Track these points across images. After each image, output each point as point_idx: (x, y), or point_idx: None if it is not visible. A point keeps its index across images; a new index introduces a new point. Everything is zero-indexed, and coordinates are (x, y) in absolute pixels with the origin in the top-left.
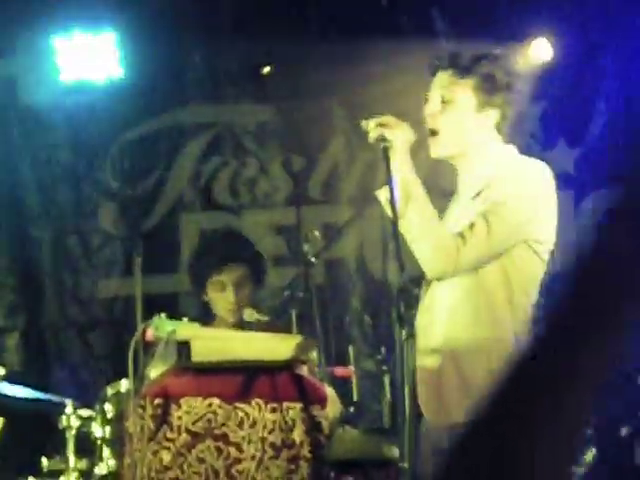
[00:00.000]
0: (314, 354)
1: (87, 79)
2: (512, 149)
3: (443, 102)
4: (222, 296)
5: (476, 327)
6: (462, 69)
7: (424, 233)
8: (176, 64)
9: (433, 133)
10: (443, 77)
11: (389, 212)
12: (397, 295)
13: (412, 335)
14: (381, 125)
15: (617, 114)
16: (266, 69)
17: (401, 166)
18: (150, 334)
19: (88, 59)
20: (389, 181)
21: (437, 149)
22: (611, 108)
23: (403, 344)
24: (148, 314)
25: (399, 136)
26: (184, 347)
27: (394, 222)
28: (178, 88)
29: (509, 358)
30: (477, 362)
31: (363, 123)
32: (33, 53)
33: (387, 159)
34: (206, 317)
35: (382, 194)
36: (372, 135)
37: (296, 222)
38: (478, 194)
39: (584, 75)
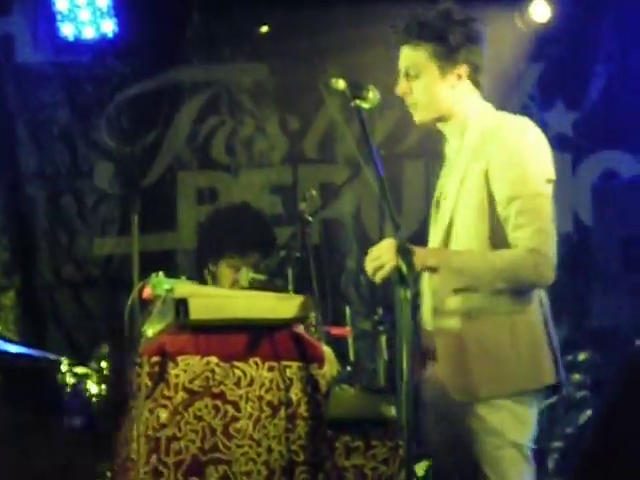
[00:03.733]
0: (312, 313)
1: (84, 38)
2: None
3: (408, 78)
4: (233, 277)
5: None
6: (415, 39)
7: (505, 268)
8: (173, 23)
9: (411, 106)
10: (404, 51)
11: (372, 170)
12: (396, 255)
13: (415, 295)
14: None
15: (616, 77)
16: (263, 29)
17: None
18: (148, 292)
19: (85, 17)
20: (367, 140)
21: (418, 115)
22: (610, 71)
23: (402, 304)
24: (145, 272)
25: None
26: (182, 305)
27: (379, 182)
28: (175, 47)
29: None
30: (499, 326)
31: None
32: (30, 11)
33: (362, 119)
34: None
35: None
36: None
37: (292, 181)
38: (476, 155)
39: (583, 37)
